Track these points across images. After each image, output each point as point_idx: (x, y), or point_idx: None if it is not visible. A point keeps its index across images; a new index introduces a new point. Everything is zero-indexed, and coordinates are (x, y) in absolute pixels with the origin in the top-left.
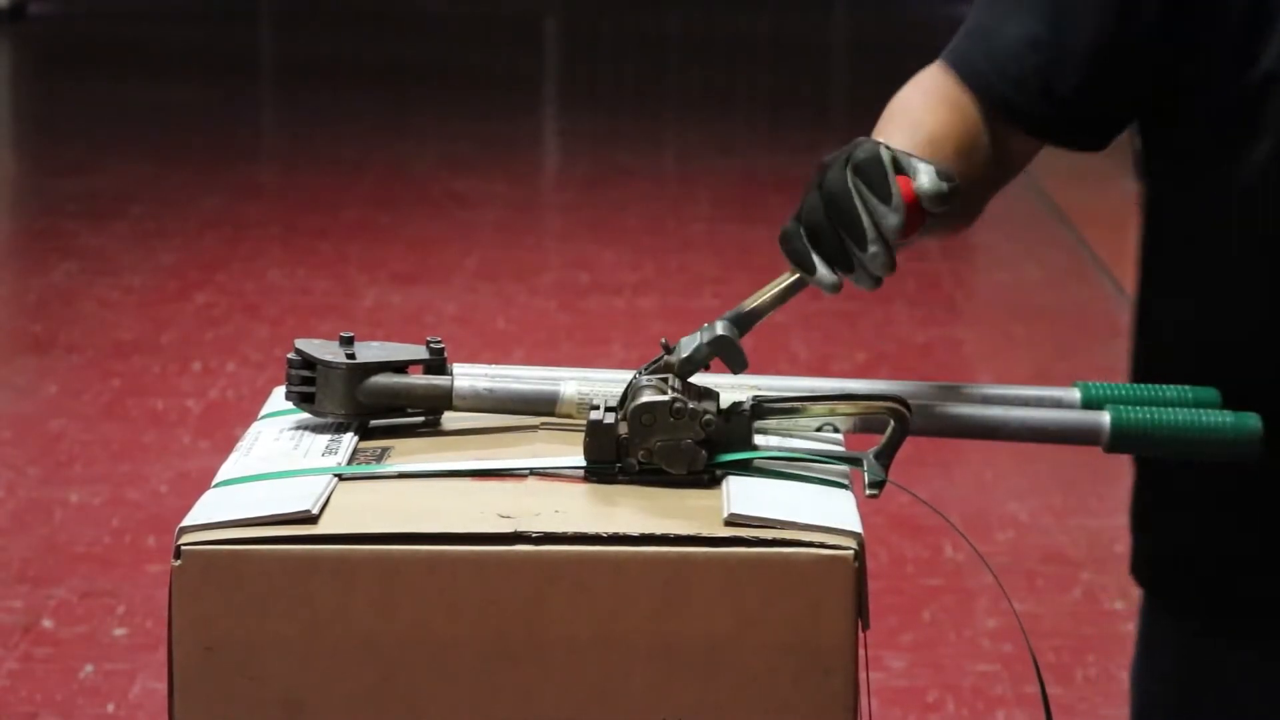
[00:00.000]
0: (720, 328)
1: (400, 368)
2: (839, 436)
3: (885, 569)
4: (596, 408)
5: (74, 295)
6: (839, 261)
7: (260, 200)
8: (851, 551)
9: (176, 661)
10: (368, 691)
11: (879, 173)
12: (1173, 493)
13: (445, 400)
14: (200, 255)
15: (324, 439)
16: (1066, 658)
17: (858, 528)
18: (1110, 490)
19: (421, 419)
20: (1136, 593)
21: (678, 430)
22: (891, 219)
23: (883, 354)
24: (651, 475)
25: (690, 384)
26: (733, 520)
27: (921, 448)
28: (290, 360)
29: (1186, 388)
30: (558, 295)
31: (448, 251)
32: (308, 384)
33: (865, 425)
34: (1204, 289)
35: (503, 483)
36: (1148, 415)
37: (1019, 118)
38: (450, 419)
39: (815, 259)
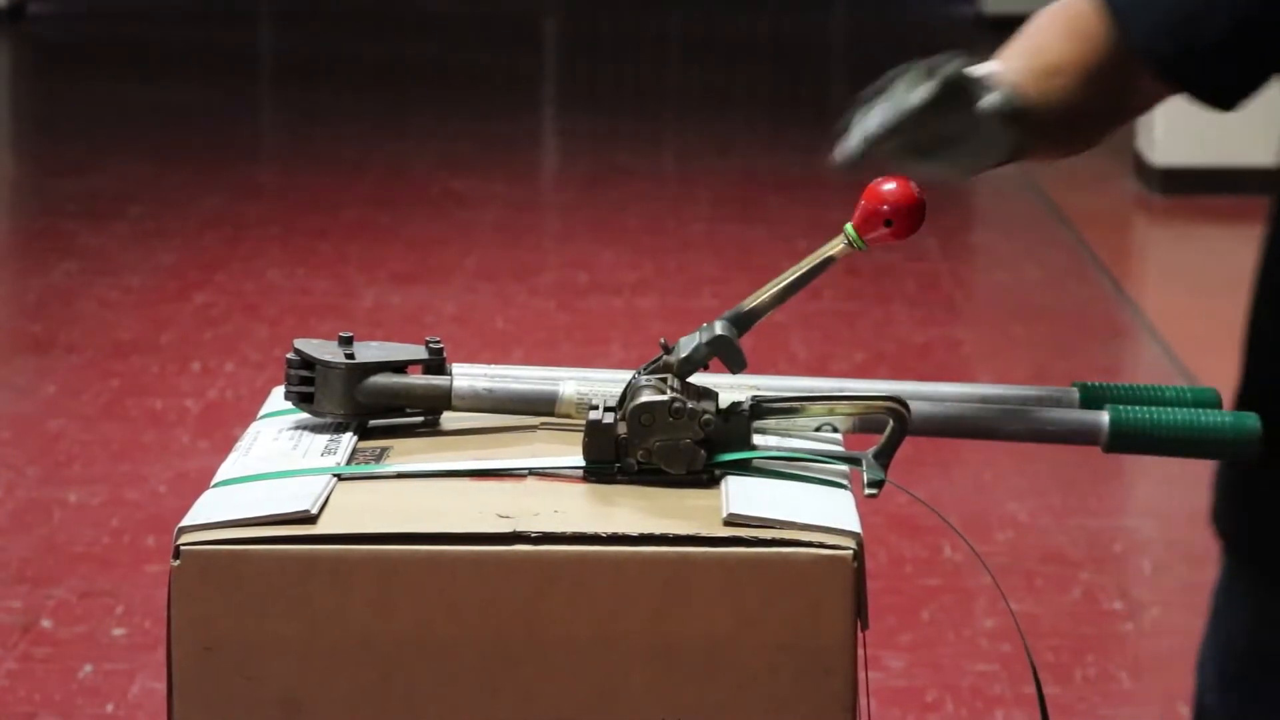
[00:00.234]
0: (719, 328)
1: (399, 368)
2: (838, 436)
3: (884, 569)
4: (595, 408)
5: (73, 295)
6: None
7: (260, 200)
8: (850, 551)
9: (176, 661)
10: (367, 691)
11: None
12: None
13: (444, 400)
14: (200, 255)
15: (323, 439)
16: (1065, 658)
17: (857, 528)
18: (1110, 490)
19: (420, 419)
20: (1134, 593)
21: (677, 430)
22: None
23: (882, 354)
24: (650, 475)
25: (689, 384)
26: (732, 520)
27: (920, 448)
28: (289, 360)
29: (1186, 387)
30: (557, 295)
31: (447, 251)
32: (307, 384)
33: (864, 425)
34: None
35: (502, 483)
36: (1147, 415)
37: (1156, 63)
38: (449, 419)
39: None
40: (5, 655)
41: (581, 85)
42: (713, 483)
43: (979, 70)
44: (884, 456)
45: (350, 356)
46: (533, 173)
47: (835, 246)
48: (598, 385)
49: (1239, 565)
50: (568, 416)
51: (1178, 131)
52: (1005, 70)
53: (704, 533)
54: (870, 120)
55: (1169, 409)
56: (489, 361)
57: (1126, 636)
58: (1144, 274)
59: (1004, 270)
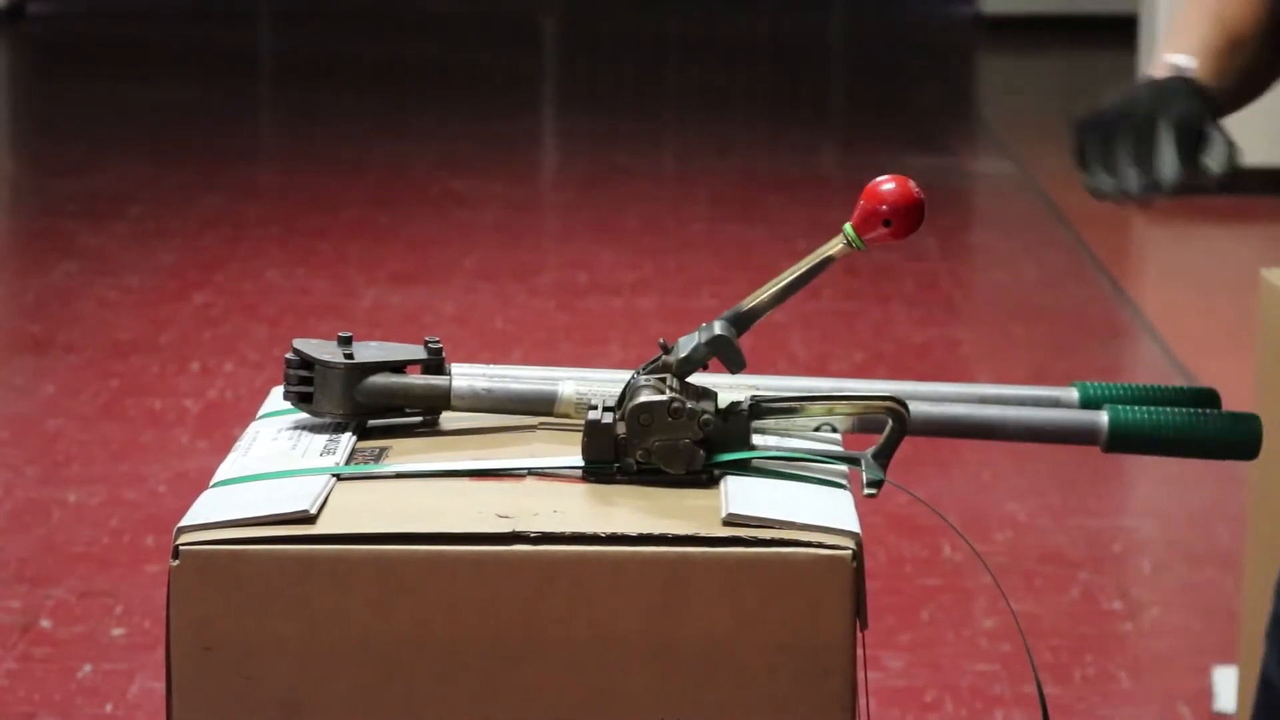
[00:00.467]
0: (718, 327)
1: (398, 368)
2: (837, 436)
3: (883, 569)
4: (595, 408)
5: (72, 295)
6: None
7: (259, 200)
8: (850, 551)
9: (175, 661)
10: (366, 691)
11: (1187, 125)
12: None
13: (443, 400)
14: (199, 255)
15: (322, 439)
16: (1064, 658)
17: (856, 527)
18: (1109, 490)
19: (420, 419)
20: (1134, 593)
21: (676, 430)
22: (1166, 174)
23: (881, 354)
24: (649, 475)
25: (688, 384)
26: (731, 520)
27: (920, 447)
28: (288, 360)
29: (1185, 387)
30: (556, 295)
31: (446, 251)
32: (306, 384)
33: (863, 425)
34: None
35: (501, 483)
36: (1146, 415)
37: None
38: (448, 419)
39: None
40: (4, 655)
41: (581, 85)
42: (712, 483)
43: (1177, 63)
44: (883, 456)
45: (349, 356)
46: (532, 173)
47: (834, 246)
48: (597, 385)
49: None
50: (567, 416)
51: None
52: (1194, 63)
53: (703, 533)
54: (1133, 180)
55: (1168, 409)
56: (488, 361)
57: (1126, 636)
58: (1143, 274)
59: (1003, 270)
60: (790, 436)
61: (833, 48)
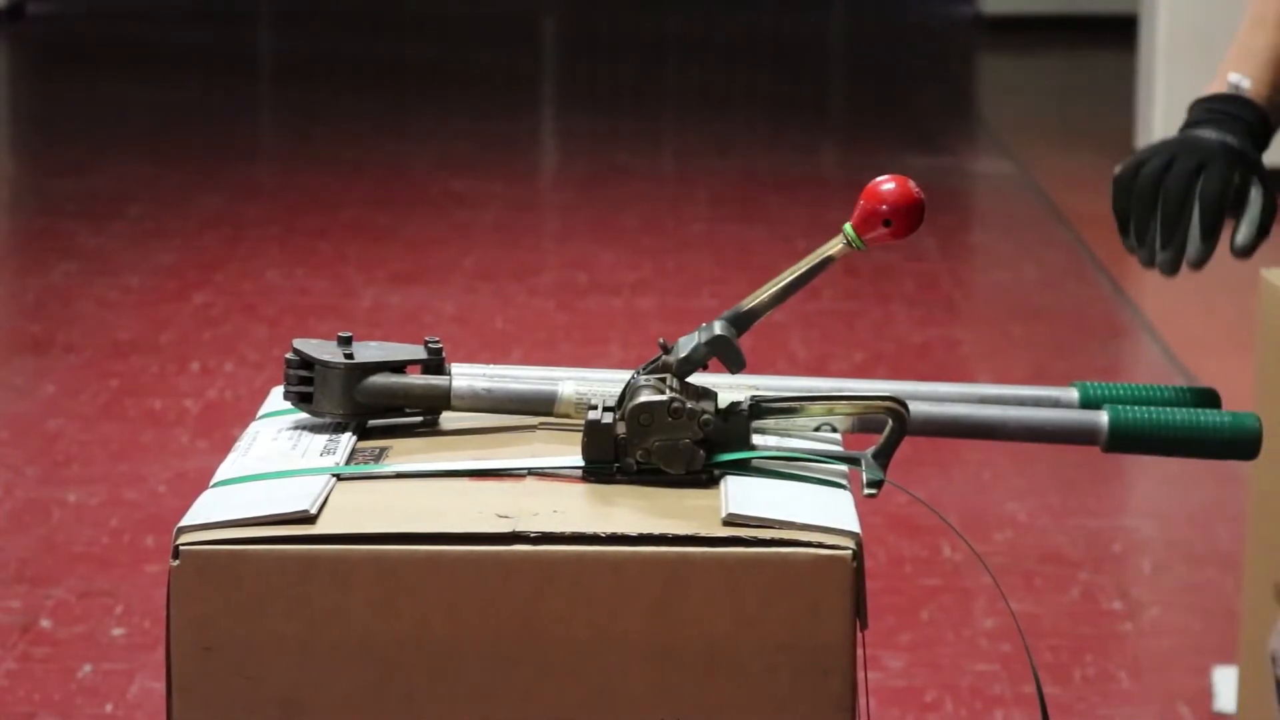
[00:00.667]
0: (718, 327)
1: (398, 368)
2: (837, 436)
3: (883, 569)
4: (594, 408)
5: (72, 295)
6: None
7: (259, 200)
8: (850, 551)
9: (175, 661)
10: (366, 691)
11: (1213, 209)
12: None
13: (443, 400)
14: (199, 255)
15: (322, 439)
16: (1064, 658)
17: (856, 527)
18: (1109, 490)
19: (420, 419)
20: (1134, 593)
21: (676, 430)
22: (1193, 259)
23: (881, 354)
24: (649, 475)
25: (688, 384)
26: (731, 520)
27: (919, 447)
28: (288, 360)
29: (1185, 388)
30: (556, 295)
31: (446, 251)
32: (306, 384)
33: (863, 425)
34: None
35: (501, 483)
36: (1146, 415)
37: None
38: (448, 419)
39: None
40: (4, 655)
41: (581, 85)
42: (712, 483)
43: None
44: (883, 456)
45: (349, 356)
46: (532, 173)
47: (834, 246)
48: (597, 385)
49: None
50: (567, 416)
51: (1177, 129)
52: (1248, 83)
53: (703, 533)
54: (1165, 261)
55: (1168, 409)
56: (488, 361)
57: (1126, 636)
58: (1143, 274)
59: (1003, 270)
60: (790, 436)
61: (833, 48)
